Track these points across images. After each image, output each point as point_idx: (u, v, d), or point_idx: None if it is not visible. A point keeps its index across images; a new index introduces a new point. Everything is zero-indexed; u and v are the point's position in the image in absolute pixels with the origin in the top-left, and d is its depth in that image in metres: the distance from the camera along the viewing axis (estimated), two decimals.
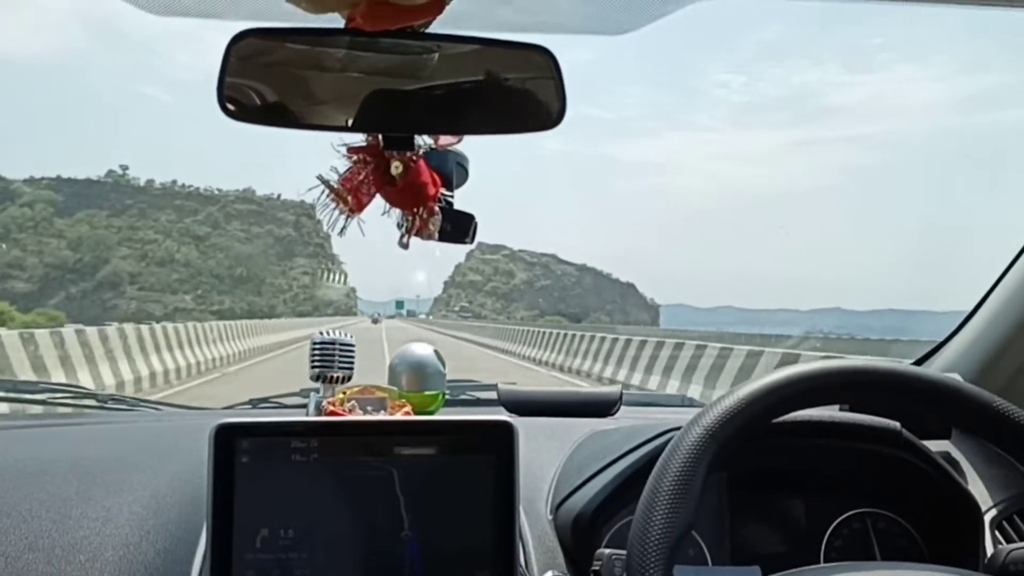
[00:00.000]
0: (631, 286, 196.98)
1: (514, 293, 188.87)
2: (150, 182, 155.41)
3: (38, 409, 1.42)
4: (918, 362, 1.39)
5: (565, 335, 18.65)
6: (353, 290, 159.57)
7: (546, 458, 1.04)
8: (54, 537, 0.87)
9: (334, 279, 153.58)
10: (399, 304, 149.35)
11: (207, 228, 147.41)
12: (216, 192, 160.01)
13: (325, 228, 0.87)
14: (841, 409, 1.01)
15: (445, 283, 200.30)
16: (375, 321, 69.57)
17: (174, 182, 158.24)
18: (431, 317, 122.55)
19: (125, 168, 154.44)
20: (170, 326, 14.24)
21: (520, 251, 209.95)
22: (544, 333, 21.22)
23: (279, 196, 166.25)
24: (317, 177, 0.86)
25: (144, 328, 13.29)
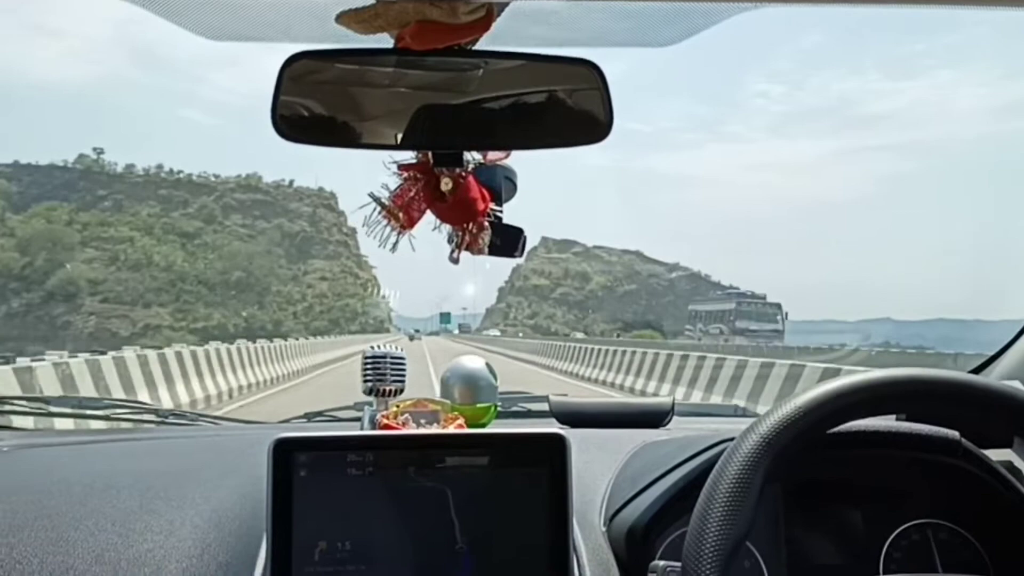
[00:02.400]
0: (734, 290, 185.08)
1: (590, 301, 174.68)
2: (130, 168, 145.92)
3: (101, 424, 1.64)
4: (976, 371, 1.52)
5: (669, 357, 16.32)
6: (385, 300, 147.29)
7: (598, 469, 1.20)
8: (120, 550, 1.05)
9: (363, 288, 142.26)
10: (444, 317, 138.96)
11: (199, 223, 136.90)
12: (212, 179, 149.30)
13: (377, 245, 1.05)
14: (898, 419, 1.13)
15: (501, 290, 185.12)
16: (411, 339, 67.95)
17: (160, 168, 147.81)
18: (495, 332, 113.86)
19: (100, 152, 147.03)
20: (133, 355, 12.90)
21: (596, 248, 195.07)
22: (642, 355, 18.26)
23: (291, 183, 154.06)
24: (369, 195, 1.04)
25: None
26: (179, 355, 14.45)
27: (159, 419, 1.60)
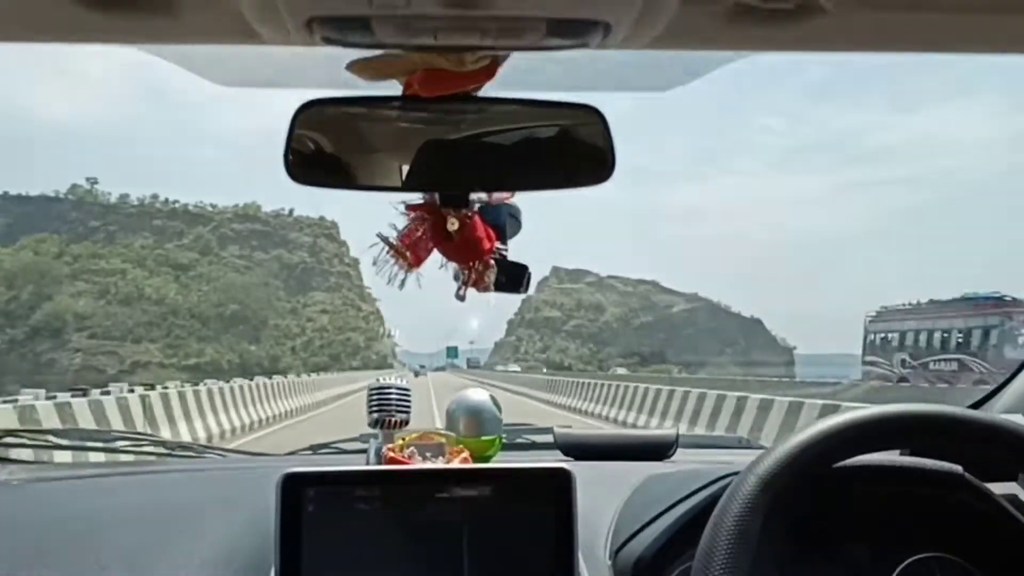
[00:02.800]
0: (757, 323, 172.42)
1: (605, 334, 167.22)
2: (124, 198, 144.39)
3: (108, 458, 1.68)
4: (977, 405, 1.57)
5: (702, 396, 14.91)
6: (388, 334, 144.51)
7: (603, 503, 1.23)
8: None
9: (365, 321, 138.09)
10: (451, 351, 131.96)
11: (194, 254, 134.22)
12: (209, 209, 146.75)
13: (385, 283, 1.12)
14: (902, 453, 1.18)
15: (510, 323, 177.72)
16: (416, 374, 66.46)
17: (155, 197, 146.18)
18: (514, 367, 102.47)
19: (93, 182, 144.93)
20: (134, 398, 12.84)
21: (610, 278, 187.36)
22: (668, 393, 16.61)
23: (291, 212, 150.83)
24: (377, 235, 1.11)
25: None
26: (164, 396, 14.13)
27: (166, 452, 1.65)
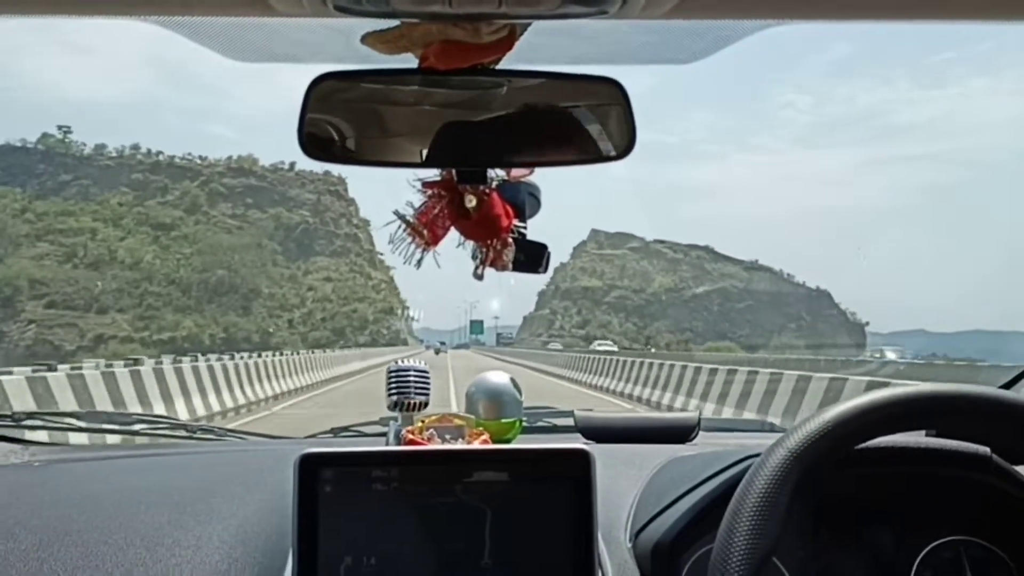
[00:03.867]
0: (824, 295, 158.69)
1: (652, 307, 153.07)
2: (100, 149, 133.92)
3: (132, 439, 1.76)
4: (1007, 385, 1.62)
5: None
6: (404, 308, 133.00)
7: (624, 485, 1.29)
8: (148, 565, 1.14)
9: (375, 291, 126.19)
10: (475, 326, 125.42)
11: (178, 213, 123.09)
12: (198, 162, 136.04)
13: (402, 262, 1.16)
14: (928, 435, 1.22)
15: (542, 294, 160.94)
16: (437, 352, 64.42)
17: (136, 148, 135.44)
18: (556, 345, 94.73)
19: (66, 131, 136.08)
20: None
21: (656, 242, 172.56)
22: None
23: (292, 166, 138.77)
24: (394, 212, 1.15)
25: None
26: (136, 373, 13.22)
27: (187, 434, 1.71)
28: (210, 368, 16.95)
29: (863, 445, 1.01)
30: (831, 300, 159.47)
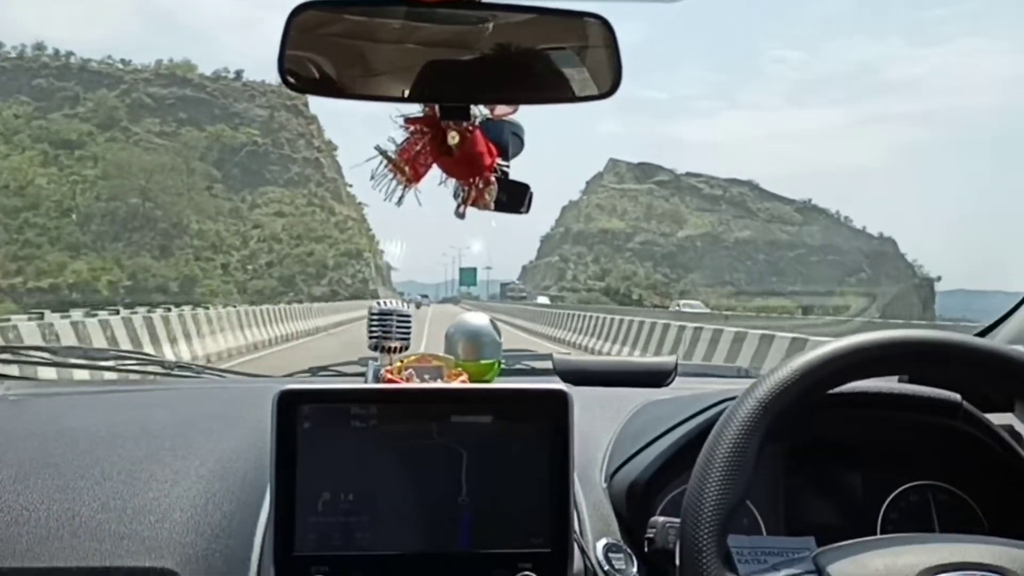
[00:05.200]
0: (887, 242, 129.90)
1: (685, 255, 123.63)
2: None
3: (109, 375, 1.76)
4: (982, 333, 1.63)
5: None
6: (378, 253, 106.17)
7: (601, 427, 1.30)
8: (125, 499, 1.14)
9: (339, 230, 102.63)
10: (466, 275, 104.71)
11: (88, 127, 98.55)
12: (119, 67, 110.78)
13: (383, 199, 1.14)
14: (900, 381, 1.24)
15: (546, 239, 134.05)
16: (418, 305, 55.11)
17: (40, 48, 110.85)
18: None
19: None
20: None
21: (689, 175, 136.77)
22: None
23: (239, 75, 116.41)
24: (375, 148, 1.13)
25: None
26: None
27: (165, 371, 1.72)
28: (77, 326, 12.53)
29: (835, 390, 1.00)
30: (895, 249, 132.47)
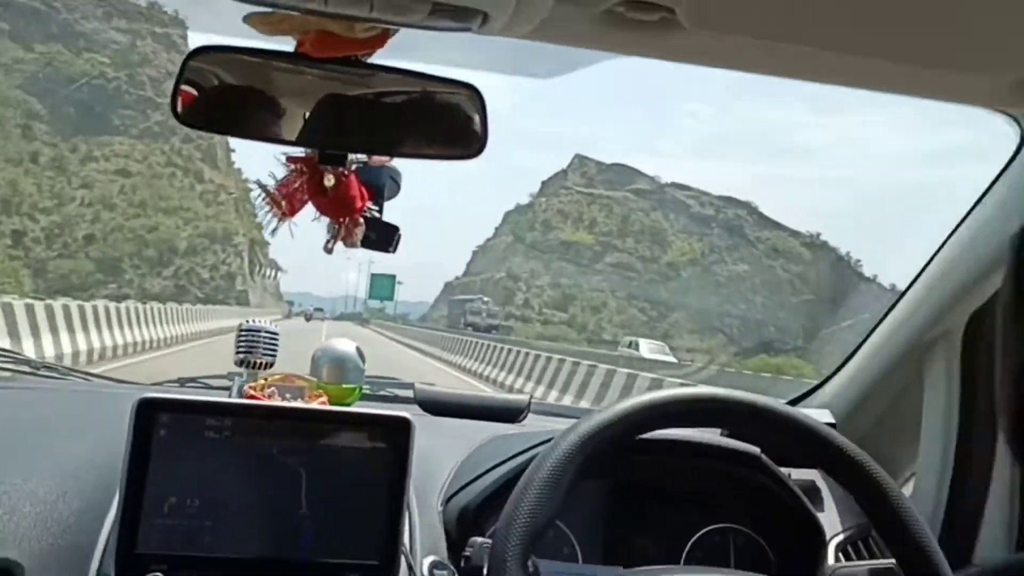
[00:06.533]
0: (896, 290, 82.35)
1: (668, 284, 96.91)
2: None
3: None
4: (805, 395, 1.82)
5: None
6: (260, 246, 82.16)
7: (447, 455, 1.42)
8: None
9: (206, 202, 77.30)
10: (380, 285, 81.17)
11: None
12: None
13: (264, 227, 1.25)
14: (722, 434, 1.43)
15: (479, 249, 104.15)
16: (308, 318, 51.08)
17: None
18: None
19: None
20: None
21: (673, 186, 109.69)
22: None
23: None
24: (255, 182, 1.24)
25: None
26: None
27: (30, 370, 1.76)
28: None
29: (649, 435, 1.13)
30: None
